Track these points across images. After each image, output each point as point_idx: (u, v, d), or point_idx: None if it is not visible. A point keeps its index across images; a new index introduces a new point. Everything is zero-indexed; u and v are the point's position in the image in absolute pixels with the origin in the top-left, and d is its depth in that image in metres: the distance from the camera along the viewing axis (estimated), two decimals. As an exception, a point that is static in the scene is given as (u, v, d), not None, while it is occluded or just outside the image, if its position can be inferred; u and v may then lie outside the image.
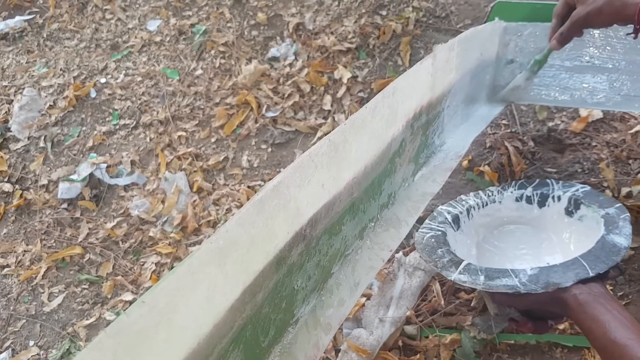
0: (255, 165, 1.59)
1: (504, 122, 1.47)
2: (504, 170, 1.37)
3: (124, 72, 1.88)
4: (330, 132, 1.54)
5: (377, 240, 0.69)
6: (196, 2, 1.98)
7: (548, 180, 1.04)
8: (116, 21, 2.02)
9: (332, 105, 1.63)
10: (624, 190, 1.26)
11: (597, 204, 0.93)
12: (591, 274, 0.73)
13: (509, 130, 1.44)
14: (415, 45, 1.68)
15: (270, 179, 1.52)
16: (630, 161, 1.32)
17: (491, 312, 0.84)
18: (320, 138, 1.57)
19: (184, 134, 1.69)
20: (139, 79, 1.84)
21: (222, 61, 1.81)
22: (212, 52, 1.84)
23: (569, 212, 0.98)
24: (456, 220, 0.99)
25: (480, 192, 1.09)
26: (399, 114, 0.74)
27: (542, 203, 1.02)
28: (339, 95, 1.64)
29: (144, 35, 1.93)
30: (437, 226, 0.93)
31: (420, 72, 0.79)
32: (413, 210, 0.79)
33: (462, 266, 0.77)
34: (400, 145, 0.78)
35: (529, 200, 1.04)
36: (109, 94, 1.84)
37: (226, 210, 1.51)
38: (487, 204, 1.04)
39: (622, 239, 0.82)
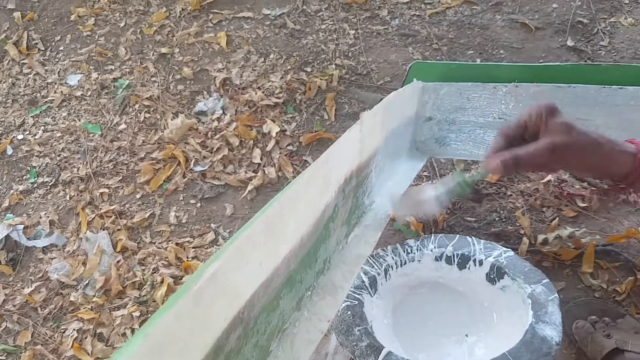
0: (183, 221, 1.56)
1: (425, 173, 1.53)
2: (428, 221, 1.42)
3: (42, 127, 1.80)
4: (260, 185, 1.56)
5: (315, 310, 0.70)
6: (119, 57, 1.95)
7: (468, 239, 1.02)
8: (34, 75, 1.95)
9: (261, 159, 1.64)
10: (540, 237, 1.35)
11: (522, 278, 0.91)
12: None
13: (430, 182, 1.50)
14: (340, 100, 1.74)
15: (200, 235, 1.50)
16: (544, 209, 1.41)
17: None
18: (250, 191, 1.57)
19: (106, 190, 1.64)
20: (59, 134, 1.78)
21: (147, 115, 1.79)
22: (137, 106, 1.81)
23: (490, 279, 0.96)
24: (374, 283, 0.95)
25: (398, 246, 1.06)
26: (331, 181, 0.76)
27: (462, 265, 1.00)
28: (268, 148, 1.65)
29: (64, 90, 1.87)
30: (354, 292, 0.90)
31: (349, 139, 0.81)
32: (348, 275, 0.81)
33: (381, 357, 0.76)
34: (334, 210, 0.80)
35: (449, 260, 1.01)
36: (27, 151, 1.76)
37: (153, 270, 1.46)
38: (405, 263, 1.01)
39: (553, 331, 0.80)
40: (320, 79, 1.76)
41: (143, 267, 1.47)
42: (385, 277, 0.97)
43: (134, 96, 1.83)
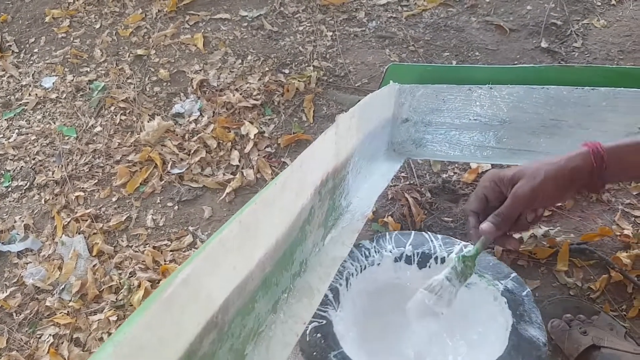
0: (161, 224, 1.55)
1: (402, 174, 1.54)
2: (405, 221, 1.43)
3: (16, 131, 1.77)
4: (239, 187, 1.55)
5: (291, 313, 0.70)
6: (94, 59, 1.93)
7: (425, 235, 0.98)
8: (8, 78, 1.92)
9: (240, 161, 1.64)
10: (515, 236, 1.36)
11: (490, 273, 0.87)
12: None
13: (408, 182, 1.52)
14: (318, 102, 1.74)
15: (178, 238, 1.49)
16: (518, 209, 1.43)
17: None
18: (229, 194, 1.56)
19: (82, 194, 1.62)
20: (33, 137, 1.75)
21: (123, 117, 1.77)
22: (112, 108, 1.79)
23: None
24: (337, 295, 0.89)
25: (355, 250, 0.99)
26: (307, 184, 0.76)
27: (422, 264, 0.94)
28: (246, 150, 1.65)
29: (39, 93, 1.85)
30: (320, 310, 0.83)
31: (325, 141, 0.82)
32: (325, 277, 0.81)
33: None
34: (310, 212, 0.80)
35: (408, 260, 0.96)
36: (1, 154, 1.73)
37: (129, 274, 1.44)
38: (365, 268, 0.95)
39: (538, 331, 0.75)
40: (299, 81, 1.76)
41: (120, 271, 1.45)
42: (347, 287, 0.92)
43: (109, 98, 1.81)
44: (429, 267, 0.94)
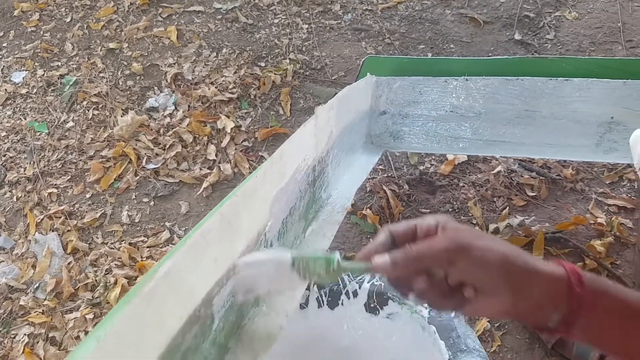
0: (136, 220, 1.52)
1: (380, 167, 1.55)
2: (384, 213, 1.44)
3: (-16, 127, 1.73)
4: (216, 182, 1.54)
5: (274, 305, 0.69)
6: (65, 53, 1.89)
7: None
8: (-26, 72, 1.87)
9: (216, 155, 1.62)
10: (492, 226, 1.38)
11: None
12: None
13: (385, 175, 1.52)
14: (295, 95, 1.74)
15: (154, 234, 1.47)
16: (495, 199, 1.45)
17: None
18: (206, 188, 1.55)
19: (55, 190, 1.58)
20: (4, 134, 1.70)
21: (96, 112, 1.74)
22: (84, 103, 1.76)
23: (371, 309, 0.78)
24: None
25: None
26: (287, 176, 0.76)
27: (333, 303, 0.80)
28: (223, 144, 1.63)
29: (9, 88, 1.80)
30: None
31: (304, 133, 0.81)
32: (305, 269, 0.80)
33: None
34: (291, 205, 0.80)
35: (316, 303, 0.81)
36: (-32, 152, 1.68)
37: (105, 271, 1.42)
38: None
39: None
40: (275, 74, 1.75)
41: (95, 269, 1.43)
42: None
43: (81, 93, 1.77)
44: (342, 304, 0.79)
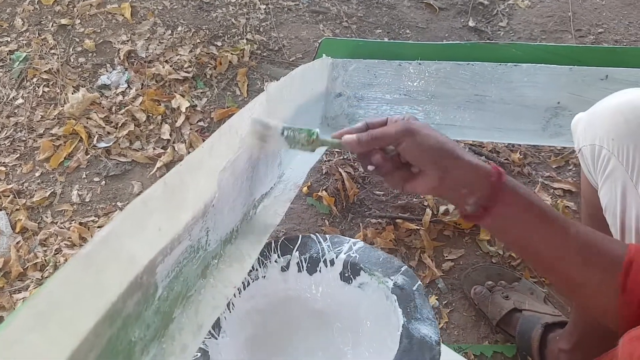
0: (87, 199, 1.49)
1: (336, 149, 1.56)
2: (339, 195, 1.45)
3: None
4: (170, 162, 1.52)
5: (221, 277, 0.69)
6: (15, 28, 1.82)
7: (313, 237, 0.90)
8: None
9: (171, 135, 1.60)
10: (442, 208, 1.42)
11: (380, 270, 0.82)
12: None
13: (341, 157, 1.53)
14: (252, 76, 1.72)
15: (105, 214, 1.44)
16: (446, 182, 1.48)
17: None
18: (159, 168, 1.53)
19: (3, 169, 1.54)
20: (-54, 109, 1.63)
21: (46, 89, 1.68)
22: (35, 80, 1.70)
23: (345, 278, 0.85)
24: (216, 322, 0.77)
25: None
26: (236, 150, 0.75)
27: (312, 269, 0.87)
28: (178, 124, 1.61)
29: (-49, 62, 1.72)
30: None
31: (254, 108, 0.81)
32: (256, 243, 0.81)
33: None
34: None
35: (296, 268, 0.88)
36: None
37: (55, 251, 1.39)
38: (249, 284, 0.85)
39: (429, 328, 0.72)
40: (231, 54, 1.73)
41: (45, 248, 1.39)
42: (229, 309, 0.81)
43: (31, 69, 1.72)
44: (320, 271, 0.86)
